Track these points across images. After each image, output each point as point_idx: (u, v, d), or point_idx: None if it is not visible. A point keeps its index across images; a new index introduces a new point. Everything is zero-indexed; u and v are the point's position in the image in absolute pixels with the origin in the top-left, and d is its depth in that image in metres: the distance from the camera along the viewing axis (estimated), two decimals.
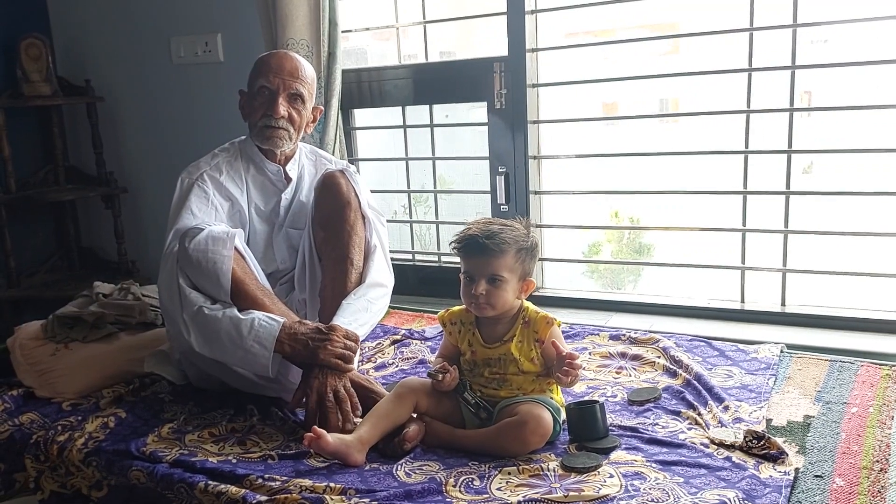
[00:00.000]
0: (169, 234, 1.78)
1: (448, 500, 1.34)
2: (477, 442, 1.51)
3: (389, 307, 2.11)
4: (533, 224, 1.81)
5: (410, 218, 3.04)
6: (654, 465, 1.42)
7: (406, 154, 2.81)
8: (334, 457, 1.47)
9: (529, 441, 1.47)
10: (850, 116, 2.22)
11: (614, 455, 1.47)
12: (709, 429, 1.55)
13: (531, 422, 1.47)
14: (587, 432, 1.52)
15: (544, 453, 1.49)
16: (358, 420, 1.60)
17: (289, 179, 2.00)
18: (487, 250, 1.52)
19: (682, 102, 3.18)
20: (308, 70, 1.96)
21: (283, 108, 1.89)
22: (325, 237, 1.87)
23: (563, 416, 1.58)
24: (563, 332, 2.13)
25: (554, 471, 1.42)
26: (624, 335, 2.10)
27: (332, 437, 1.46)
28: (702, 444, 1.49)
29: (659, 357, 1.94)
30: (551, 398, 1.57)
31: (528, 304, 1.61)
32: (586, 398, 1.71)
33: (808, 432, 1.55)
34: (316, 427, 1.48)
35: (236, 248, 1.71)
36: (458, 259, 1.61)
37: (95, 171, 3.17)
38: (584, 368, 1.89)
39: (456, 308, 1.66)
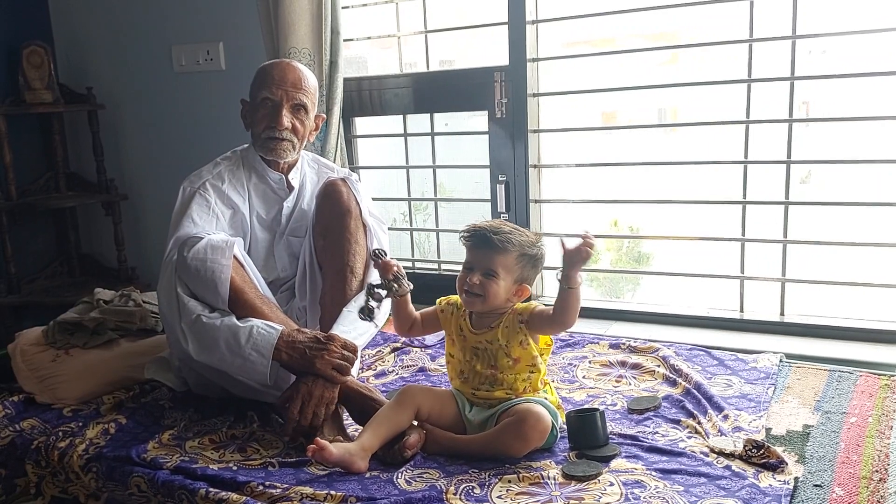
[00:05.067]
0: (170, 241, 1.79)
1: None
2: (478, 445, 1.52)
3: (390, 315, 2.11)
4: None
5: (410, 226, 3.05)
6: (654, 473, 1.42)
7: (406, 162, 2.82)
8: (338, 466, 1.48)
9: (530, 437, 1.48)
10: (848, 127, 2.23)
11: (614, 463, 1.47)
12: (708, 437, 1.56)
13: (530, 418, 1.48)
14: (587, 440, 1.53)
15: (544, 461, 1.49)
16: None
17: (291, 188, 2.00)
18: (491, 244, 1.54)
19: (681, 112, 3.18)
20: (311, 80, 1.97)
21: (286, 120, 1.90)
22: (325, 245, 1.88)
23: (561, 419, 1.59)
24: (562, 340, 2.15)
25: (554, 479, 1.42)
26: (623, 344, 2.10)
27: (335, 448, 1.47)
28: (701, 452, 1.49)
29: (658, 366, 1.95)
30: (545, 398, 1.58)
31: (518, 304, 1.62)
32: (586, 406, 1.72)
33: (807, 441, 1.55)
34: (318, 439, 1.49)
35: (235, 257, 1.71)
36: (457, 267, 1.62)
37: (96, 178, 3.17)
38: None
39: (455, 296, 1.67)
